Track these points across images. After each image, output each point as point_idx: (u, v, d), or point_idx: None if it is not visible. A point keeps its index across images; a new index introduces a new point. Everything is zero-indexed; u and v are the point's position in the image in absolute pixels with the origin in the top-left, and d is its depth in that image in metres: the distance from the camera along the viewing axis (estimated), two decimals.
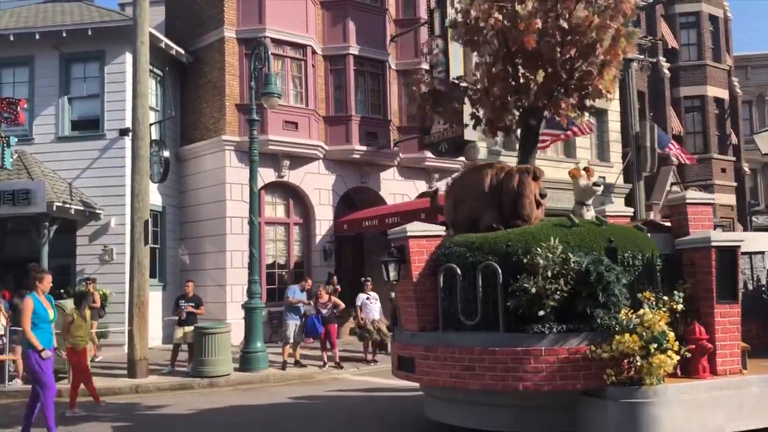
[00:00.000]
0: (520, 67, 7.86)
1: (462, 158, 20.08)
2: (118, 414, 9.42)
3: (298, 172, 17.98)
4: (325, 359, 13.00)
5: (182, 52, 17.63)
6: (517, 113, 8.21)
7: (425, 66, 19.26)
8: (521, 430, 6.69)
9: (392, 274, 7.22)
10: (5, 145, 13.97)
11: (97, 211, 15.45)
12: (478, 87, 8.30)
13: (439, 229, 7.56)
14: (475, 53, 8.73)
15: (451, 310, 6.93)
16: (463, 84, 8.96)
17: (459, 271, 6.77)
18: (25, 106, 14.74)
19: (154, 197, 15.48)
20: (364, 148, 18.54)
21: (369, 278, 14.73)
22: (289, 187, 18.19)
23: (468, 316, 6.72)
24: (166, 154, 15.73)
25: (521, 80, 7.84)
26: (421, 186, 20.28)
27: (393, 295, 14.82)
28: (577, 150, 22.98)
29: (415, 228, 7.41)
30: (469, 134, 17.26)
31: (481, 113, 8.48)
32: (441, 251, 7.14)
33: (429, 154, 19.13)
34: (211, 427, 8.85)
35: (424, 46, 18.45)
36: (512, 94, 7.95)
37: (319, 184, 18.39)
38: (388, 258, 7.26)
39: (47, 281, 7.73)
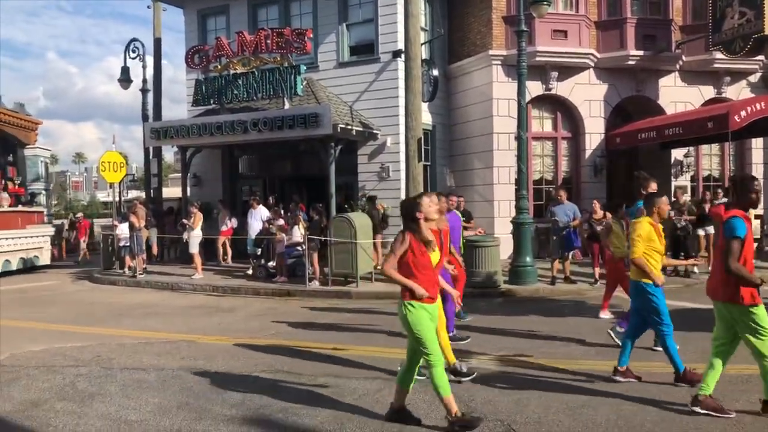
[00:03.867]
0: None
1: (761, 57, 17.44)
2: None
3: (566, 83, 17.23)
4: (597, 276, 12.61)
5: None
6: None
7: None
8: None
9: None
10: (297, 73, 15.52)
11: (375, 131, 16.54)
12: None
13: None
14: None
15: None
16: None
17: None
18: (311, 35, 16.05)
19: (425, 116, 16.04)
20: (640, 52, 17.03)
21: None
22: (557, 99, 17.54)
23: None
24: (435, 73, 16.07)
25: None
26: (708, 92, 18.13)
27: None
28: None
29: None
30: None
31: None
32: None
33: (719, 55, 16.91)
34: None
35: None
36: None
37: (589, 95, 17.44)
38: None
39: None
